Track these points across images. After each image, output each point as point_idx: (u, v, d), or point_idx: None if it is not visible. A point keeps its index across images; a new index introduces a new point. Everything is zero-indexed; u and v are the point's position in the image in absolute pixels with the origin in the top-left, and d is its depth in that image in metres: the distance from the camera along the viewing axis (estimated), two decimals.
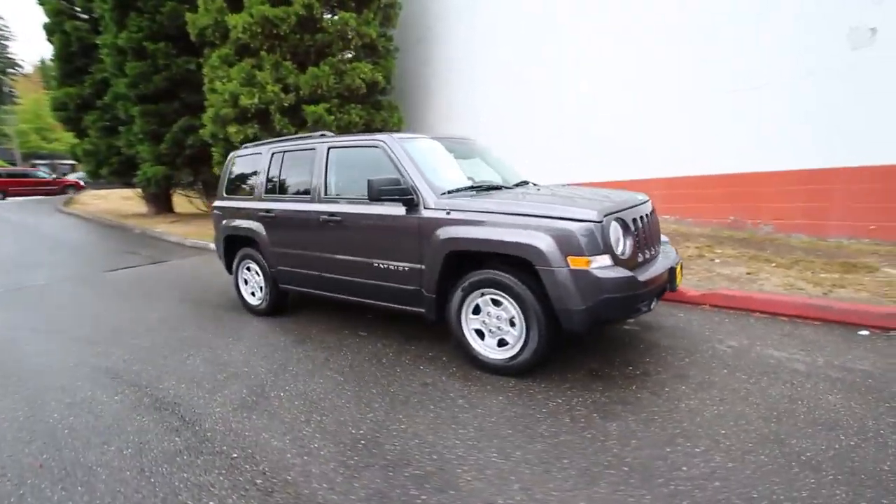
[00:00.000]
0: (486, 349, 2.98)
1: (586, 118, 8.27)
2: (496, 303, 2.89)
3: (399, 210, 3.25)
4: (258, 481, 2.05)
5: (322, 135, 4.10)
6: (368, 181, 3.14)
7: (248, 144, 4.84)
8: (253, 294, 4.61)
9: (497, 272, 2.82)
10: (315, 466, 2.13)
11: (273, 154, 4.29)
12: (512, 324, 2.85)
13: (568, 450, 2.16)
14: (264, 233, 4.21)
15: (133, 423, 2.61)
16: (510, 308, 2.83)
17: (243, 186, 4.61)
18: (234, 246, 4.70)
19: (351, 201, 3.59)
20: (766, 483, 1.88)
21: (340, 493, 1.95)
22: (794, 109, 5.84)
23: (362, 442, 2.31)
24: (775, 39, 5.90)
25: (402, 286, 3.31)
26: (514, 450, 2.18)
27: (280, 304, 4.43)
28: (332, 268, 3.73)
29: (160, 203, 14.37)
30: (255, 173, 4.45)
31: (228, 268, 4.87)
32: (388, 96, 10.84)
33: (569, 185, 4.92)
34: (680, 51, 6.84)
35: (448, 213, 3.00)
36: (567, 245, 2.56)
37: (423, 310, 3.27)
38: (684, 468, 2.00)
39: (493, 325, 2.92)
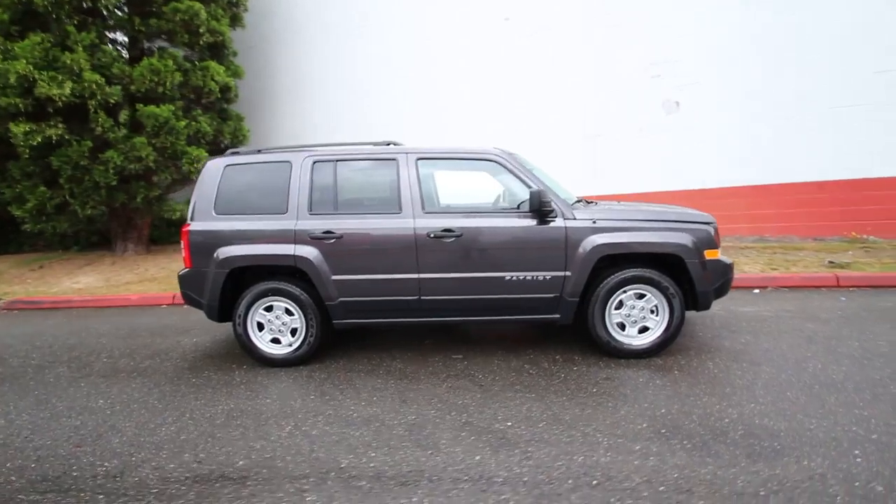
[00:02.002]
0: (629, 338, 3.42)
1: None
2: (639, 296, 3.39)
3: (531, 221, 3.36)
4: None
5: (389, 144, 3.65)
6: (532, 193, 3.16)
7: (236, 151, 3.73)
8: (276, 341, 3.56)
9: (645, 269, 3.33)
10: None
11: (316, 163, 3.52)
12: (652, 312, 3.40)
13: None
14: (320, 258, 3.39)
15: None
16: (653, 299, 3.38)
17: (255, 203, 3.54)
18: (238, 282, 3.52)
19: (468, 215, 3.41)
20: None
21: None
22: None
23: (664, 429, 2.44)
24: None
25: (539, 295, 3.38)
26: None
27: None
28: (439, 289, 3.39)
29: None
30: (279, 186, 3.52)
31: (222, 312, 3.58)
32: (233, 104, 9.34)
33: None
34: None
35: (594, 223, 3.33)
36: (704, 241, 3.33)
37: (556, 315, 3.43)
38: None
39: (638, 316, 3.40)
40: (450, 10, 8.98)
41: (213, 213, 3.54)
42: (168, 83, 7.24)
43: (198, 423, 2.77)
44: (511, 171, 3.45)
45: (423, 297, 3.42)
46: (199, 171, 3.42)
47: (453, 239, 3.35)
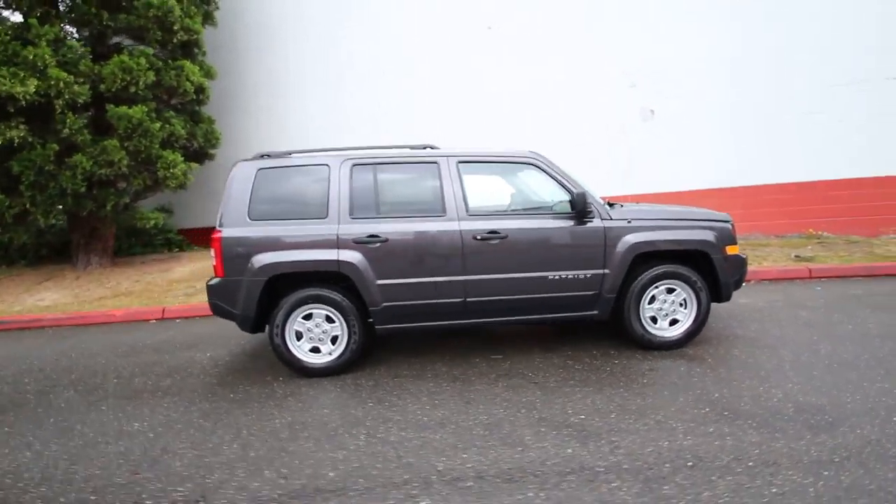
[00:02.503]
0: (661, 331, 3.62)
1: None
2: (669, 290, 3.60)
3: (570, 222, 3.49)
4: None
5: (426, 147, 3.65)
6: (575, 195, 3.30)
7: (266, 154, 3.59)
8: (315, 350, 3.44)
9: (675, 265, 3.55)
10: None
11: (355, 166, 3.46)
12: (681, 305, 3.63)
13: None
14: (365, 263, 3.33)
15: None
16: (682, 293, 3.60)
17: (293, 207, 3.42)
18: (276, 290, 3.38)
19: (509, 216, 3.49)
20: None
21: None
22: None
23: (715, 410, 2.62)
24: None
25: (579, 293, 3.51)
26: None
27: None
28: (484, 290, 3.43)
29: None
30: (318, 190, 3.42)
31: (256, 323, 3.42)
32: (204, 106, 8.89)
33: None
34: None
35: (629, 222, 3.51)
36: (725, 238, 3.60)
37: (595, 312, 3.58)
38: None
39: (669, 310, 3.61)
40: (434, 16, 9.06)
41: (248, 219, 3.38)
42: (141, 82, 6.76)
43: (261, 438, 2.63)
44: (547, 173, 3.56)
45: (468, 300, 3.45)
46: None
47: (498, 241, 3.41)
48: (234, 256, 3.35)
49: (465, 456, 2.36)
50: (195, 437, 2.69)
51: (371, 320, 3.49)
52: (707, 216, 3.73)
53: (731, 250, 3.62)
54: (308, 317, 3.42)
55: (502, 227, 3.42)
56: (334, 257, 3.32)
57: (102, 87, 6.58)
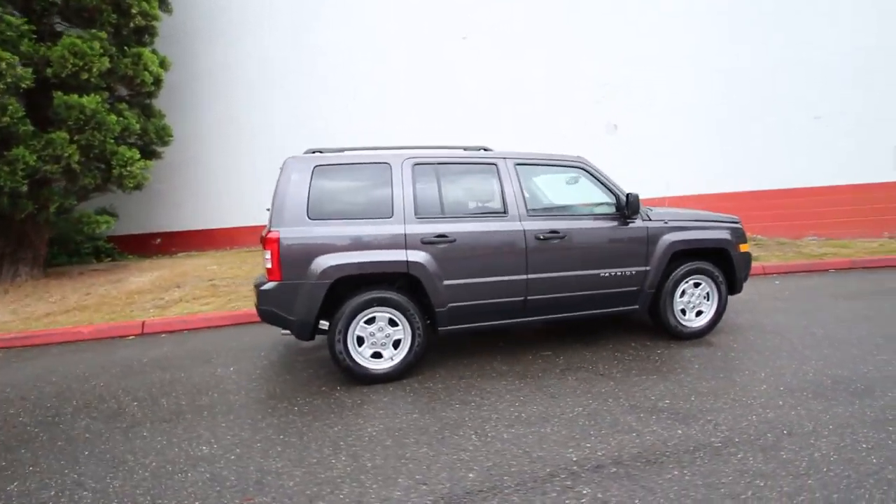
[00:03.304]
0: (689, 322, 3.96)
1: None
2: (696, 284, 3.97)
3: (616, 222, 3.73)
4: None
5: (481, 149, 3.67)
6: (629, 196, 3.52)
7: (317, 150, 3.39)
8: (377, 355, 3.29)
9: (702, 262, 3.93)
10: None
11: (416, 166, 3.39)
12: (706, 298, 4.01)
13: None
14: (433, 263, 3.26)
15: None
16: (706, 287, 3.99)
17: (354, 207, 3.26)
18: (334, 293, 3.19)
19: (564, 217, 3.64)
20: None
21: None
22: None
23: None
24: None
25: (624, 289, 3.74)
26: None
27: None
28: (544, 288, 3.54)
29: None
30: (381, 189, 3.31)
31: (314, 329, 3.19)
32: (156, 99, 8.07)
33: None
34: None
35: (666, 223, 3.83)
36: (739, 237, 4.06)
37: (636, 306, 3.84)
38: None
39: (696, 302, 3.97)
40: (411, 25, 9.07)
41: (307, 219, 3.17)
42: (94, 69, 5.95)
43: (367, 448, 2.48)
44: (594, 176, 3.78)
45: (529, 298, 3.53)
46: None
47: (558, 240, 3.54)
48: (294, 258, 3.11)
49: (588, 445, 2.43)
50: (290, 454, 2.46)
51: (428, 322, 3.43)
52: (722, 218, 4.18)
53: (743, 248, 4.09)
54: (370, 321, 3.28)
55: (560, 227, 3.56)
56: (403, 258, 3.23)
57: (49, 71, 5.69)
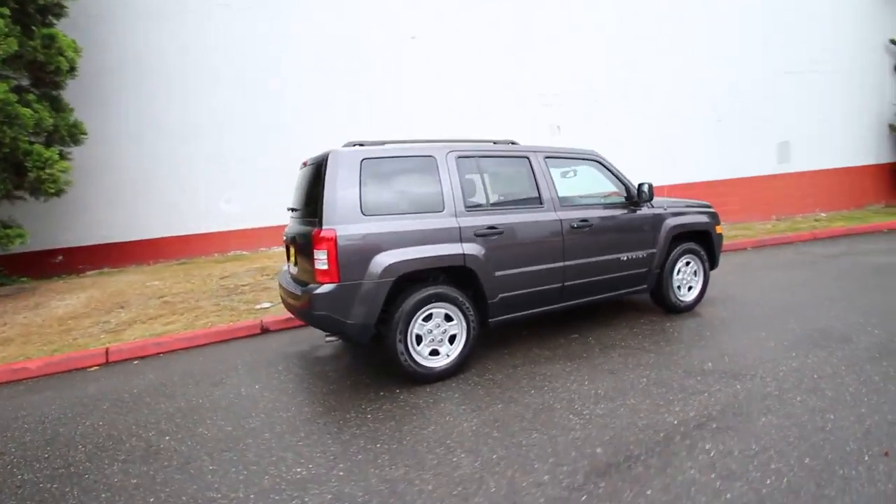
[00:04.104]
0: (683, 296, 4.45)
1: None
2: (687, 263, 4.47)
3: (628, 209, 4.07)
4: None
5: (511, 142, 3.74)
6: (645, 185, 3.85)
7: (359, 143, 3.19)
8: (435, 353, 3.21)
9: (692, 243, 4.44)
10: None
11: (459, 158, 3.37)
12: (695, 275, 4.53)
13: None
14: (486, 255, 3.27)
15: None
16: (694, 264, 4.51)
17: (404, 201, 3.14)
18: (391, 292, 3.04)
19: (588, 207, 3.86)
20: None
21: None
22: None
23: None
24: None
25: (637, 271, 4.10)
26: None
27: None
28: (578, 274, 3.73)
29: None
30: (429, 182, 3.23)
31: (376, 330, 3.00)
32: (63, 91, 6.89)
33: None
34: None
35: (666, 209, 4.26)
36: (715, 220, 4.66)
37: (644, 286, 4.22)
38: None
39: (687, 279, 4.47)
40: (359, 25, 8.78)
41: (361, 214, 2.97)
42: (1, 50, 4.89)
43: (487, 442, 2.44)
44: (607, 168, 4.09)
45: (565, 284, 3.70)
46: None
47: (588, 228, 3.76)
48: (352, 257, 2.91)
49: (677, 409, 2.65)
50: (404, 461, 2.32)
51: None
52: (700, 203, 4.76)
53: (718, 229, 4.71)
54: (427, 318, 3.18)
55: (588, 216, 3.79)
56: (459, 251, 3.19)
57: None
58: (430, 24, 8.96)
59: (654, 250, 4.18)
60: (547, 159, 3.78)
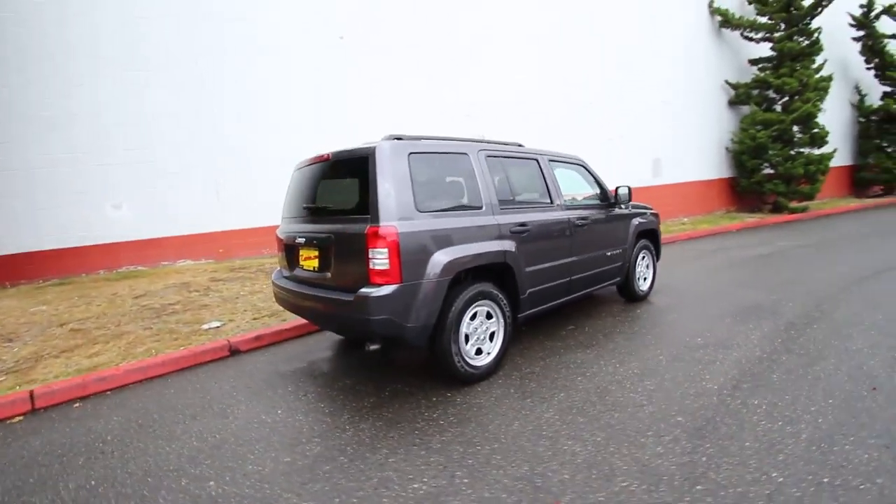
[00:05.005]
0: (641, 287, 5.08)
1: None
2: (643, 258, 5.12)
3: (611, 210, 4.55)
4: None
5: (519, 145, 3.87)
6: (628, 189, 4.37)
7: (397, 136, 3.02)
8: (479, 352, 3.18)
9: (646, 240, 5.10)
10: None
11: (488, 157, 3.41)
12: (648, 268, 5.21)
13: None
14: (520, 252, 3.35)
15: None
16: (647, 258, 5.19)
17: (450, 198, 3.06)
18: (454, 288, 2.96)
19: (582, 206, 4.18)
20: None
21: None
22: None
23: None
24: None
25: (616, 265, 4.59)
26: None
27: None
28: (580, 269, 4.04)
29: None
30: (467, 179, 3.21)
31: (434, 331, 2.85)
32: None
33: None
34: None
35: (630, 209, 4.83)
36: (657, 219, 5.42)
37: (619, 278, 4.73)
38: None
39: (643, 272, 5.12)
40: (286, 24, 8.10)
41: (417, 211, 2.82)
42: None
43: (579, 429, 2.50)
44: (589, 171, 4.51)
45: (572, 278, 3.97)
46: None
47: (587, 226, 4.10)
48: (414, 256, 2.75)
49: (708, 377, 3.08)
50: (523, 455, 2.28)
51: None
52: (647, 206, 5.50)
53: (659, 228, 5.51)
54: (472, 316, 3.14)
55: (588, 215, 4.14)
56: (501, 248, 3.22)
57: None
58: (356, 25, 8.73)
59: (626, 246, 4.73)
60: (550, 161, 4.04)
